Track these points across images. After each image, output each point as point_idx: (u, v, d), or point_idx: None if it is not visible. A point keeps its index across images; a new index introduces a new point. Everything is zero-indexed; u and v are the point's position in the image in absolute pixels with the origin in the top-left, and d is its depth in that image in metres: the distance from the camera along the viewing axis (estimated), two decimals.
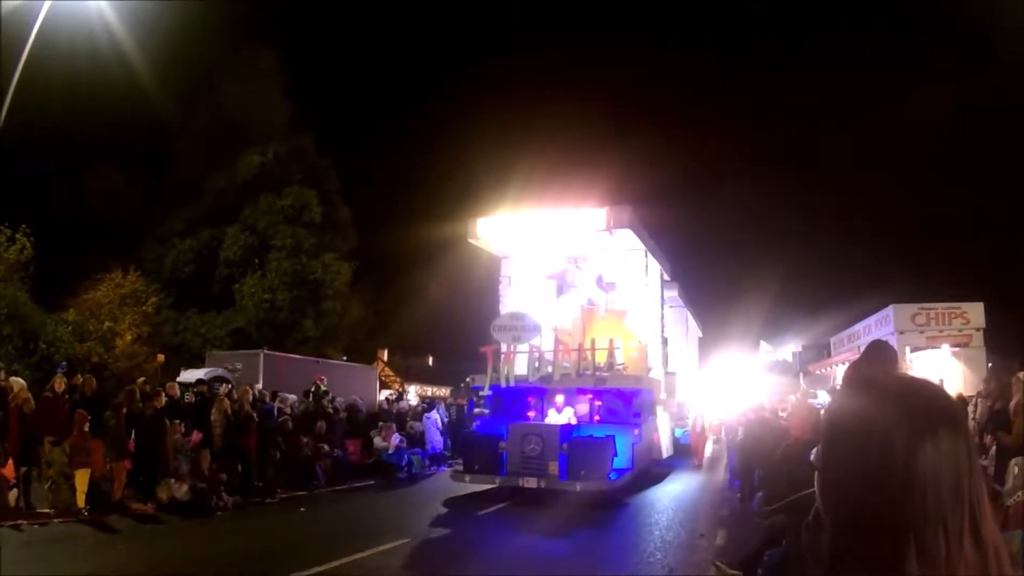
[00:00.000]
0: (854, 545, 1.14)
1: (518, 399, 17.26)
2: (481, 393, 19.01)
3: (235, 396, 15.59)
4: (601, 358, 16.93)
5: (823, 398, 18.52)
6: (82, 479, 12.03)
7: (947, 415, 1.15)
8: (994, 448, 10.37)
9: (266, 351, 24.93)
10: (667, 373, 20.76)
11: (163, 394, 14.27)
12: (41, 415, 12.21)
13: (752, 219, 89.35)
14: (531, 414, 16.93)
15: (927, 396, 1.19)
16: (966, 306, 26.73)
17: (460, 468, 16.03)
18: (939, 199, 60.91)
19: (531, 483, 14.14)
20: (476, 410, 22.16)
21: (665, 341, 20.84)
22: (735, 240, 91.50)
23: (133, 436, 13.29)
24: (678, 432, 22.55)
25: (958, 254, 49.46)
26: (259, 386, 18.89)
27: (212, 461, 13.81)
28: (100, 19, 17.77)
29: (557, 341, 17.30)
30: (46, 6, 14.95)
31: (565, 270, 18.48)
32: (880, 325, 29.36)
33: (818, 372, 38.21)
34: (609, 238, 17.30)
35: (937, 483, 1.10)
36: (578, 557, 10.20)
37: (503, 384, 16.49)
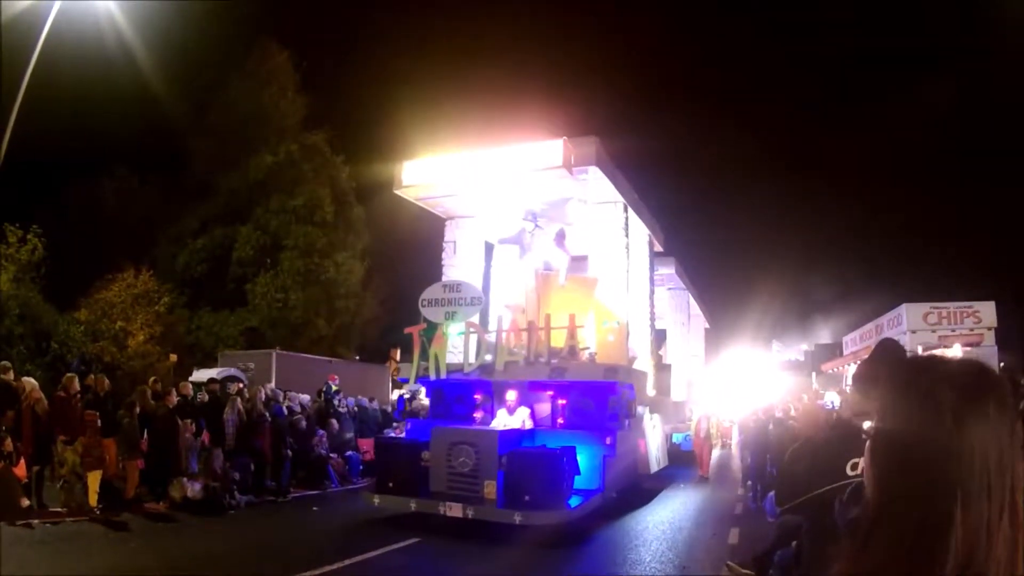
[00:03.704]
0: (899, 506, 1.13)
1: (463, 396, 13.75)
2: (406, 387, 15.67)
3: (247, 395, 15.63)
4: (559, 341, 13.01)
5: (831, 398, 18.34)
6: (94, 479, 12.05)
7: (996, 388, 1.16)
8: None
9: (278, 350, 25.01)
10: (660, 366, 17.93)
11: (174, 393, 14.30)
12: (54, 415, 12.25)
13: (762, 215, 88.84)
14: (478, 415, 13.23)
15: (978, 369, 1.19)
16: (978, 305, 26.74)
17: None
18: (951, 196, 60.63)
19: (455, 511, 10.75)
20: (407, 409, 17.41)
21: (662, 332, 18.72)
22: (745, 234, 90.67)
23: (146, 435, 13.36)
24: (677, 437, 19.41)
25: (970, 252, 49.27)
26: (271, 385, 18.90)
27: (225, 460, 13.85)
28: (111, 19, 17.87)
29: (501, 320, 13.59)
30: (56, 6, 15.01)
31: (522, 230, 15.05)
32: (892, 324, 29.33)
33: (830, 371, 38.15)
34: (573, 183, 13.70)
35: (984, 450, 1.09)
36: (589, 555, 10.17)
37: (432, 376, 12.98)
